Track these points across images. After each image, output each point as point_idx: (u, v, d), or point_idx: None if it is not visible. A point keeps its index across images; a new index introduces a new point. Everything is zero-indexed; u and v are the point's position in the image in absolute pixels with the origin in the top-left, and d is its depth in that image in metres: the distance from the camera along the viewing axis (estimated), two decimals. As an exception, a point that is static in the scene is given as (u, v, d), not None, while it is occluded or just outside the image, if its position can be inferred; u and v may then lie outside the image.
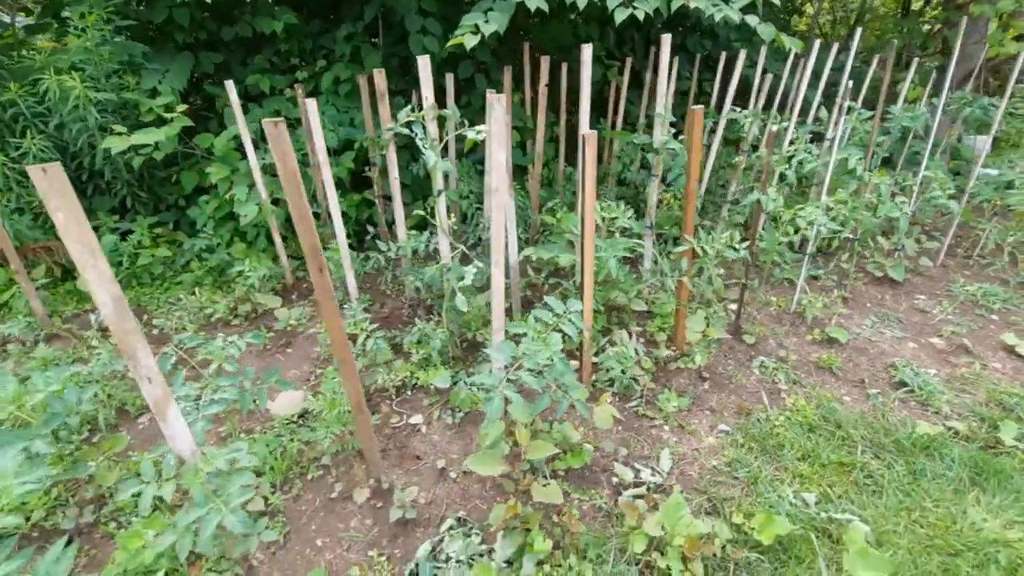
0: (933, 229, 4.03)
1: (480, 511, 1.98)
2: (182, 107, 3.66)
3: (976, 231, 3.84)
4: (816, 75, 3.84)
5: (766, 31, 3.22)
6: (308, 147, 3.80)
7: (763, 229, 2.66)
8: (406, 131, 2.18)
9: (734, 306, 3.02)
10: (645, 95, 4.83)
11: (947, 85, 3.23)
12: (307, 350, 3.03)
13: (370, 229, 3.80)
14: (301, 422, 2.42)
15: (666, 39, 2.56)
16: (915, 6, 6.27)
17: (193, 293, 3.66)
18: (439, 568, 1.73)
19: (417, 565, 1.75)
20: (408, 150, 4.36)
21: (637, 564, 1.71)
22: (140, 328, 1.39)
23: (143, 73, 3.85)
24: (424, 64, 2.26)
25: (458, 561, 1.74)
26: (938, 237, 3.78)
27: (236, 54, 4.60)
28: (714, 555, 1.68)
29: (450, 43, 3.03)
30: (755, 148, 3.59)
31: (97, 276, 1.24)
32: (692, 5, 3.11)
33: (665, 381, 2.56)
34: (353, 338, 2.70)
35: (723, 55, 4.65)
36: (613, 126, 4.57)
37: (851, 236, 2.73)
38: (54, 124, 3.49)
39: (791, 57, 3.62)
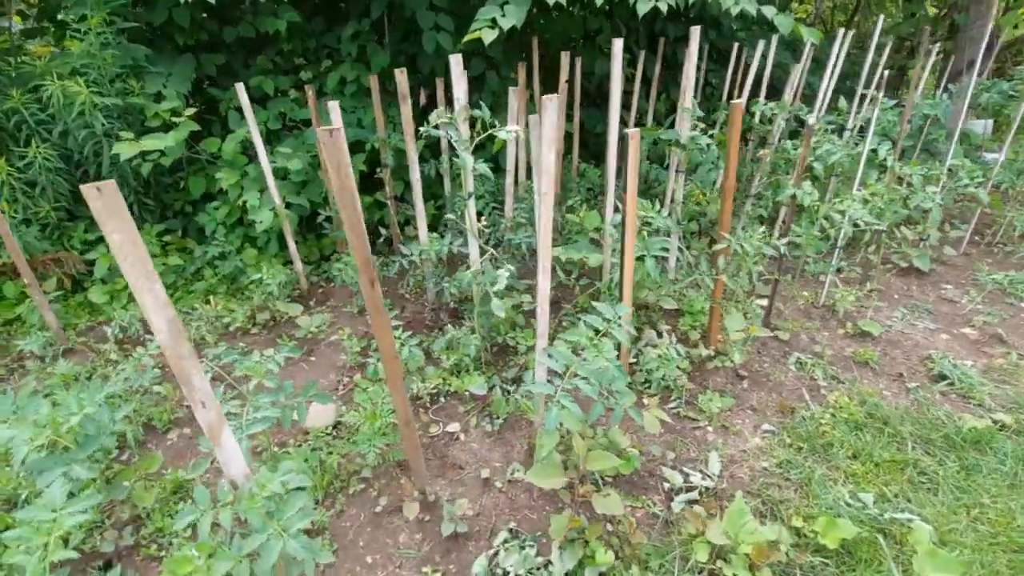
0: (952, 217, 4.02)
1: (531, 522, 1.94)
2: (189, 111, 3.56)
3: (996, 218, 3.83)
4: (818, 63, 3.79)
5: (784, 22, 3.17)
6: (319, 149, 3.72)
7: (795, 224, 2.62)
8: (437, 133, 2.11)
9: (762, 301, 2.98)
10: (654, 89, 4.78)
11: (972, 71, 3.20)
12: (331, 358, 2.97)
13: (382, 231, 3.73)
14: (335, 434, 2.36)
15: (695, 31, 2.50)
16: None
17: (207, 302, 3.58)
18: (501, 582, 1.69)
19: (479, 580, 1.71)
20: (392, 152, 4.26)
21: (701, 574, 1.68)
22: (194, 352, 1.33)
23: (146, 77, 3.74)
24: (456, 62, 2.19)
25: (528, 573, 1.70)
26: (958, 225, 3.77)
27: (238, 55, 4.49)
28: (779, 561, 1.65)
29: (467, 38, 2.96)
30: (764, 141, 3.55)
31: (153, 300, 1.18)
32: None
33: (702, 381, 2.53)
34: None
35: (735, 47, 4.60)
36: (624, 122, 4.51)
37: (881, 228, 2.70)
38: (58, 131, 3.38)
39: (808, 48, 3.56)
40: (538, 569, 1.74)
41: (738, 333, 2.44)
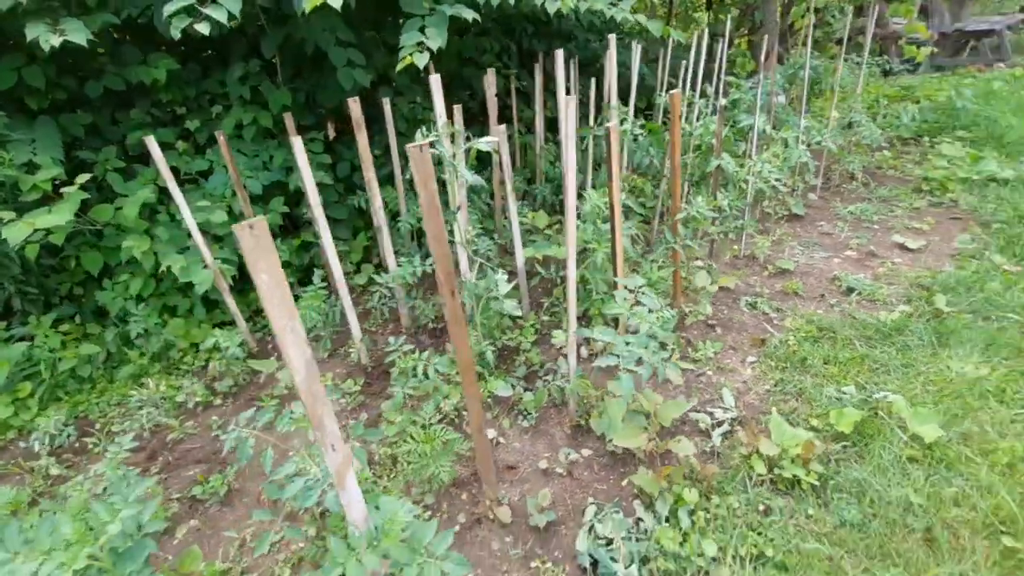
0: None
1: (603, 493, 2.07)
2: (83, 177, 3.11)
3: (831, 166, 4.81)
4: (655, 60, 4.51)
5: (655, 27, 3.70)
6: (239, 195, 3.45)
7: (720, 188, 3.09)
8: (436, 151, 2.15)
9: (697, 263, 3.44)
10: (540, 99, 5.18)
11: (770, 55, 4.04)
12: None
13: (315, 270, 3.56)
14: (376, 472, 2.26)
15: (637, 47, 2.85)
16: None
17: (141, 385, 3.12)
18: (612, 550, 1.79)
19: (591, 555, 1.79)
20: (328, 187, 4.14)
21: (766, 483, 1.95)
22: (326, 394, 1.25)
23: (8, 146, 3.17)
24: (435, 81, 2.26)
25: (623, 538, 1.82)
26: (810, 177, 4.66)
27: (103, 112, 3.97)
28: (818, 454, 1.98)
29: (400, 65, 3.00)
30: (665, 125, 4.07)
31: (294, 339, 1.12)
32: (598, 6, 3.47)
33: (684, 336, 2.86)
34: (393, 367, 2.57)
35: (560, 57, 5.18)
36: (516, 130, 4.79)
37: (782, 182, 3.29)
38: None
39: (670, 46, 4.17)
40: (633, 527, 1.88)
41: (704, 290, 2.81)
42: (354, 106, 2.60)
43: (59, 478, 2.54)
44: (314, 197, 2.65)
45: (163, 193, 3.79)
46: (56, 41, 2.69)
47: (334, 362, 3.18)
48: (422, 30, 3.17)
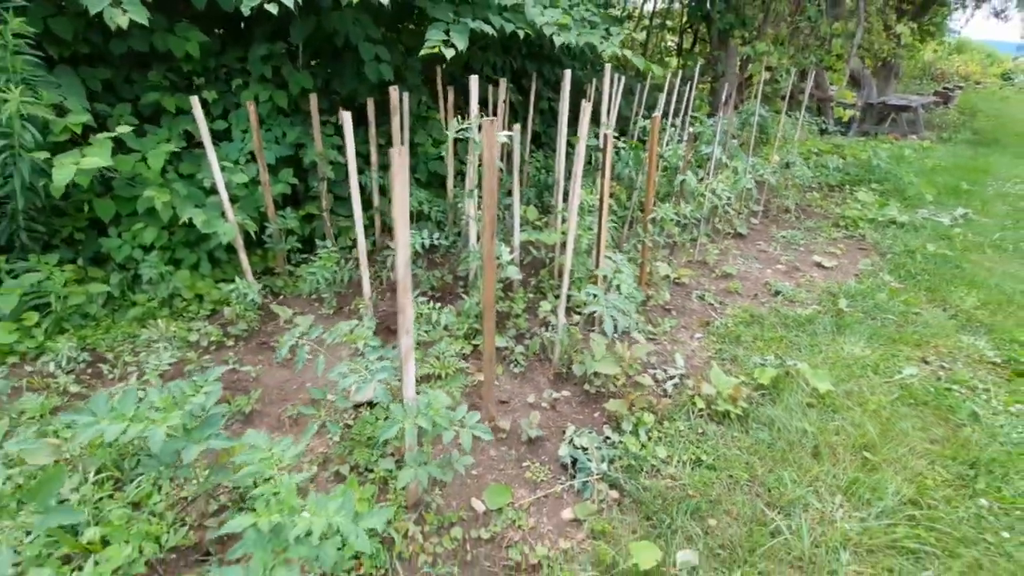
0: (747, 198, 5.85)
1: (579, 421, 2.63)
2: (124, 128, 3.42)
3: (771, 198, 5.74)
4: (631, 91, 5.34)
5: (639, 61, 4.46)
6: (259, 161, 3.84)
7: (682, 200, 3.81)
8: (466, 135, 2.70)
9: (660, 263, 4.13)
10: (531, 113, 5.85)
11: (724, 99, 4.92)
12: (336, 352, 3.21)
13: (317, 243, 3.98)
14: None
15: (618, 78, 3.52)
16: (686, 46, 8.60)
17: (144, 327, 3.40)
18: (587, 455, 2.35)
19: (571, 457, 2.34)
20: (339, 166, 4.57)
21: (704, 415, 2.59)
22: (411, 289, 1.75)
23: (39, 89, 3.44)
24: (474, 82, 2.82)
25: (596, 447, 2.39)
26: (753, 205, 5.55)
27: (120, 70, 4.26)
28: (744, 395, 2.65)
29: (424, 52, 3.50)
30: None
31: (403, 234, 1.62)
32: (593, 41, 4.17)
33: (647, 315, 3.51)
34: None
35: (568, 76, 5.91)
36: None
37: (731, 201, 4.06)
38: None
39: (649, 80, 4.96)
40: (603, 442, 2.45)
41: (663, 278, 3.49)
42: (393, 93, 3.12)
43: (77, 395, 2.82)
44: (353, 169, 3.10)
45: (173, 155, 4.10)
46: (123, 21, 3.04)
47: (339, 318, 3.59)
48: (446, 32, 3.74)
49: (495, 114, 4.27)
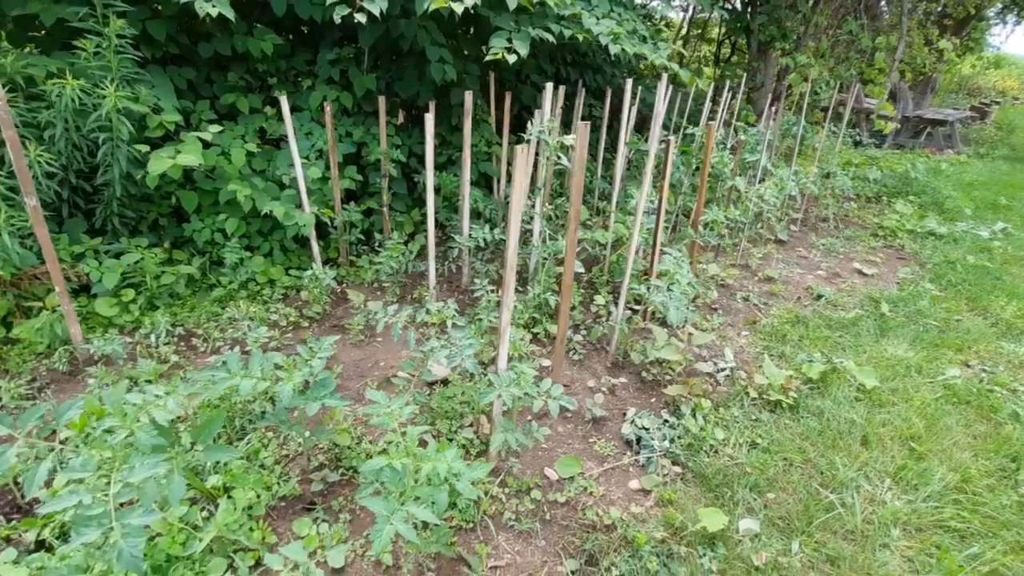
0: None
1: (638, 404, 2.84)
2: (215, 128, 3.74)
3: (811, 206, 5.88)
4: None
5: (685, 74, 4.67)
6: (332, 157, 4.13)
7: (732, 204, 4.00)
8: (542, 137, 2.94)
9: (709, 264, 4.32)
10: (578, 118, 6.09)
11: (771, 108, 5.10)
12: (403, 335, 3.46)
13: (376, 236, 4.26)
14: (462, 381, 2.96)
15: (664, 88, 3.74)
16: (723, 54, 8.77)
17: (224, 308, 3.69)
18: (649, 434, 2.56)
19: (635, 435, 2.55)
20: (394, 164, 4.85)
21: (757, 403, 2.78)
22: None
23: (137, 86, 3.77)
24: (548, 89, 3.06)
25: (656, 428, 2.59)
26: (794, 211, 5.70)
27: (201, 71, 4.61)
28: (795, 387, 2.83)
29: (488, 57, 3.75)
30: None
31: (518, 208, 1.85)
32: (644, 51, 4.40)
33: (696, 311, 3.70)
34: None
35: (629, 86, 6.13)
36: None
37: (776, 207, 4.24)
38: (59, 135, 3.29)
39: (693, 90, 5.17)
40: (663, 424, 2.65)
41: (715, 276, 3.68)
42: (468, 96, 3.37)
43: (176, 364, 3.11)
44: (430, 166, 3.34)
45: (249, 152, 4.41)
46: (213, 11, 3.35)
47: (402, 305, 3.85)
48: (509, 40, 3.99)
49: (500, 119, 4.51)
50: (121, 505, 1.43)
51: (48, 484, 2.22)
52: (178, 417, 2.54)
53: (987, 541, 2.13)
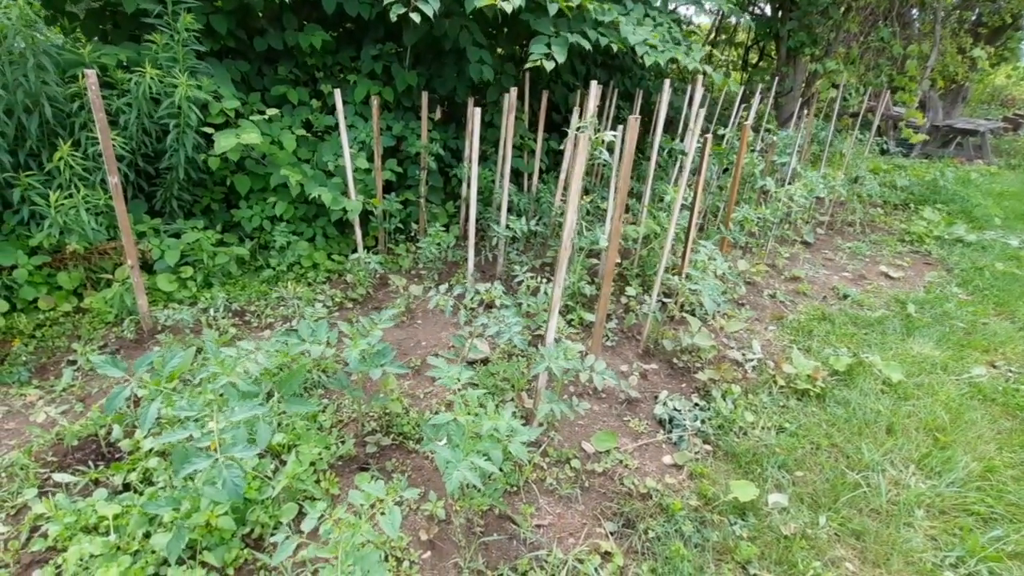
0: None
1: (667, 388, 2.98)
2: (272, 111, 3.96)
3: (837, 210, 5.96)
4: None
5: (717, 77, 4.78)
6: (376, 148, 4.33)
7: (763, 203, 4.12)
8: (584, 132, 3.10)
9: (739, 260, 4.43)
10: (608, 121, 6.23)
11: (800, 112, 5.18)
12: (437, 319, 3.63)
13: (413, 226, 4.44)
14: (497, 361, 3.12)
15: (698, 91, 3.88)
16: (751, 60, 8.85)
17: (272, 288, 3.90)
18: (681, 415, 2.70)
19: (667, 415, 2.69)
20: (433, 158, 5.04)
21: (785, 391, 2.90)
22: (571, 247, 2.14)
23: (200, 76, 4.01)
24: (594, 88, 3.23)
25: (688, 410, 2.73)
26: (820, 215, 5.78)
27: (254, 64, 4.84)
28: (823, 377, 2.94)
29: (528, 65, 3.94)
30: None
31: (575, 195, 2.02)
32: (678, 56, 4.53)
33: (725, 302, 3.83)
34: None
35: (667, 87, 6.26)
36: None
37: (805, 208, 4.35)
38: (132, 120, 3.53)
39: (723, 94, 5.28)
40: (693, 407, 2.79)
41: (740, 273, 3.80)
42: (512, 94, 3.54)
43: (235, 336, 3.32)
44: (475, 160, 3.51)
45: (299, 139, 4.64)
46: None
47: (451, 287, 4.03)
48: (548, 45, 4.16)
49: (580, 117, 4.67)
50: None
51: (129, 435, 2.44)
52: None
53: (1011, 525, 2.23)
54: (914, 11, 8.61)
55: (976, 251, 5.25)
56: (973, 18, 9.21)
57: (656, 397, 2.88)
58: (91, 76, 2.78)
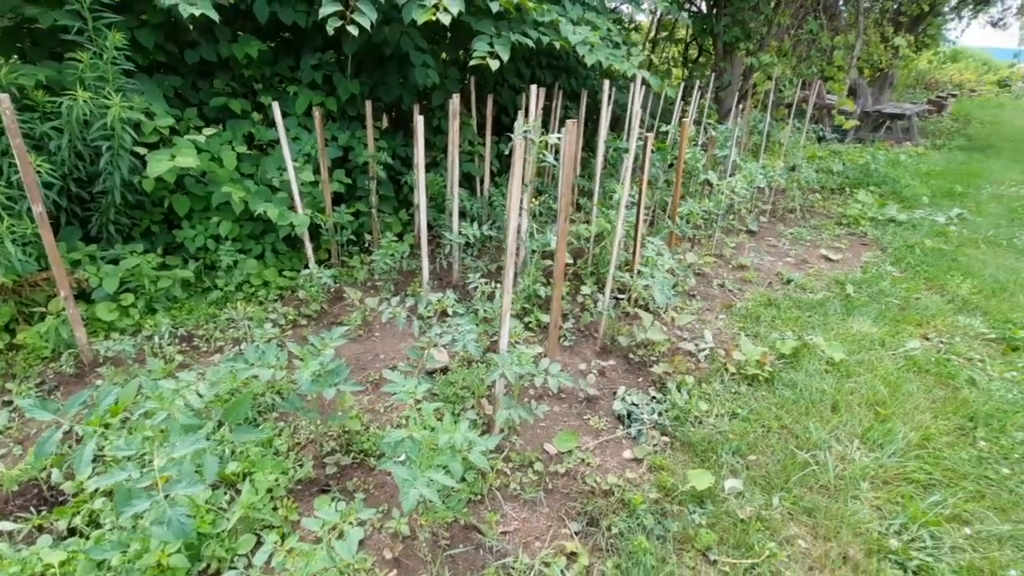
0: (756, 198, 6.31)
1: (627, 383, 3.04)
2: (209, 130, 3.82)
3: (776, 201, 6.20)
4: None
5: (655, 81, 4.90)
6: (321, 161, 4.24)
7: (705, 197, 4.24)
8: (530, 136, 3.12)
9: (687, 253, 4.55)
10: (555, 121, 6.29)
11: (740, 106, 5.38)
12: (395, 331, 3.59)
13: (367, 237, 4.39)
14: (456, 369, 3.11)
15: (638, 91, 3.96)
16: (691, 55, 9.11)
17: (221, 310, 3.78)
18: (639, 409, 2.75)
19: (626, 411, 2.75)
20: (381, 167, 4.98)
21: (736, 378, 3.00)
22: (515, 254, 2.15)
23: (130, 95, 3.84)
24: (533, 91, 3.24)
25: (646, 403, 2.79)
26: (763, 203, 5.99)
27: (187, 78, 4.67)
28: (769, 361, 3.06)
29: (473, 62, 3.92)
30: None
31: (516, 203, 2.03)
32: (614, 62, 4.62)
33: (676, 295, 3.93)
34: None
35: (607, 87, 6.37)
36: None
37: (747, 199, 4.50)
38: (64, 144, 3.35)
39: (663, 93, 5.42)
40: (650, 400, 2.86)
41: (689, 266, 3.91)
42: (454, 100, 3.53)
43: (182, 364, 3.20)
44: (421, 165, 3.48)
45: (239, 156, 4.50)
46: (196, 11, 3.42)
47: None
48: (491, 44, 4.16)
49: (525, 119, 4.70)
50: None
51: (70, 477, 2.31)
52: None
53: (948, 490, 2.38)
54: (840, 3, 9.04)
55: (907, 230, 5.56)
56: (894, 7, 9.75)
57: (615, 393, 2.93)
58: (4, 100, 2.61)
